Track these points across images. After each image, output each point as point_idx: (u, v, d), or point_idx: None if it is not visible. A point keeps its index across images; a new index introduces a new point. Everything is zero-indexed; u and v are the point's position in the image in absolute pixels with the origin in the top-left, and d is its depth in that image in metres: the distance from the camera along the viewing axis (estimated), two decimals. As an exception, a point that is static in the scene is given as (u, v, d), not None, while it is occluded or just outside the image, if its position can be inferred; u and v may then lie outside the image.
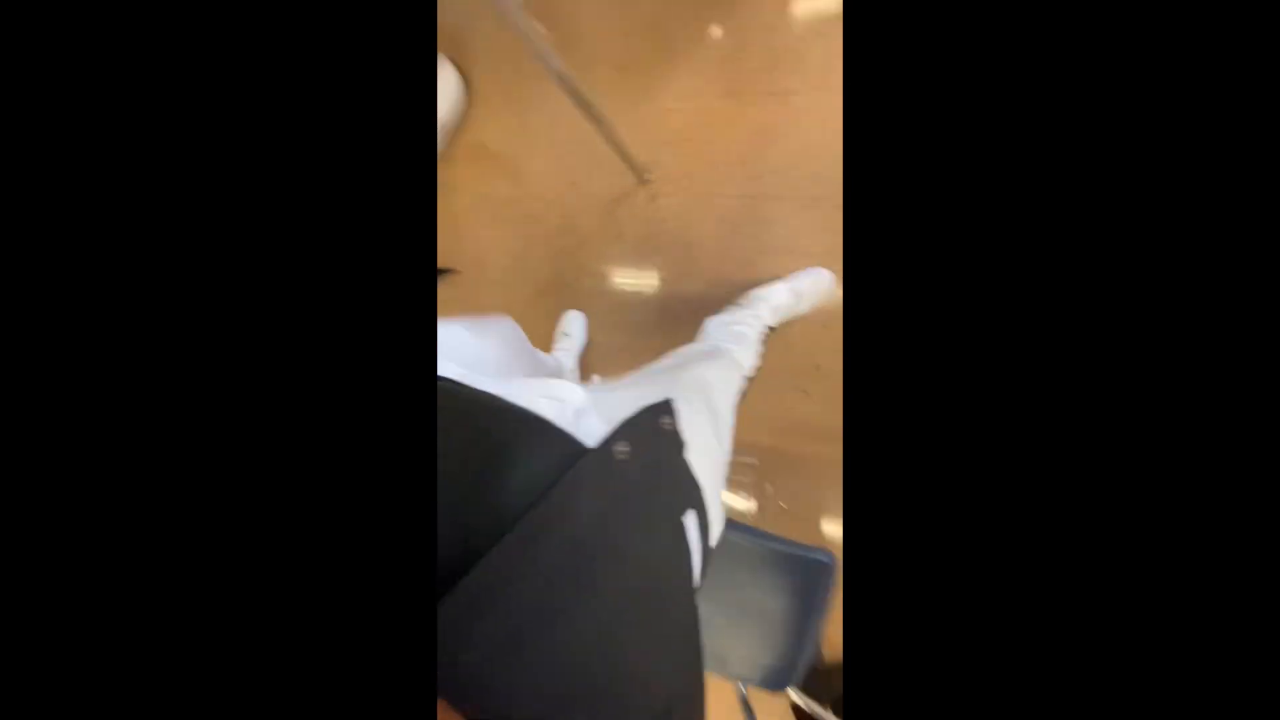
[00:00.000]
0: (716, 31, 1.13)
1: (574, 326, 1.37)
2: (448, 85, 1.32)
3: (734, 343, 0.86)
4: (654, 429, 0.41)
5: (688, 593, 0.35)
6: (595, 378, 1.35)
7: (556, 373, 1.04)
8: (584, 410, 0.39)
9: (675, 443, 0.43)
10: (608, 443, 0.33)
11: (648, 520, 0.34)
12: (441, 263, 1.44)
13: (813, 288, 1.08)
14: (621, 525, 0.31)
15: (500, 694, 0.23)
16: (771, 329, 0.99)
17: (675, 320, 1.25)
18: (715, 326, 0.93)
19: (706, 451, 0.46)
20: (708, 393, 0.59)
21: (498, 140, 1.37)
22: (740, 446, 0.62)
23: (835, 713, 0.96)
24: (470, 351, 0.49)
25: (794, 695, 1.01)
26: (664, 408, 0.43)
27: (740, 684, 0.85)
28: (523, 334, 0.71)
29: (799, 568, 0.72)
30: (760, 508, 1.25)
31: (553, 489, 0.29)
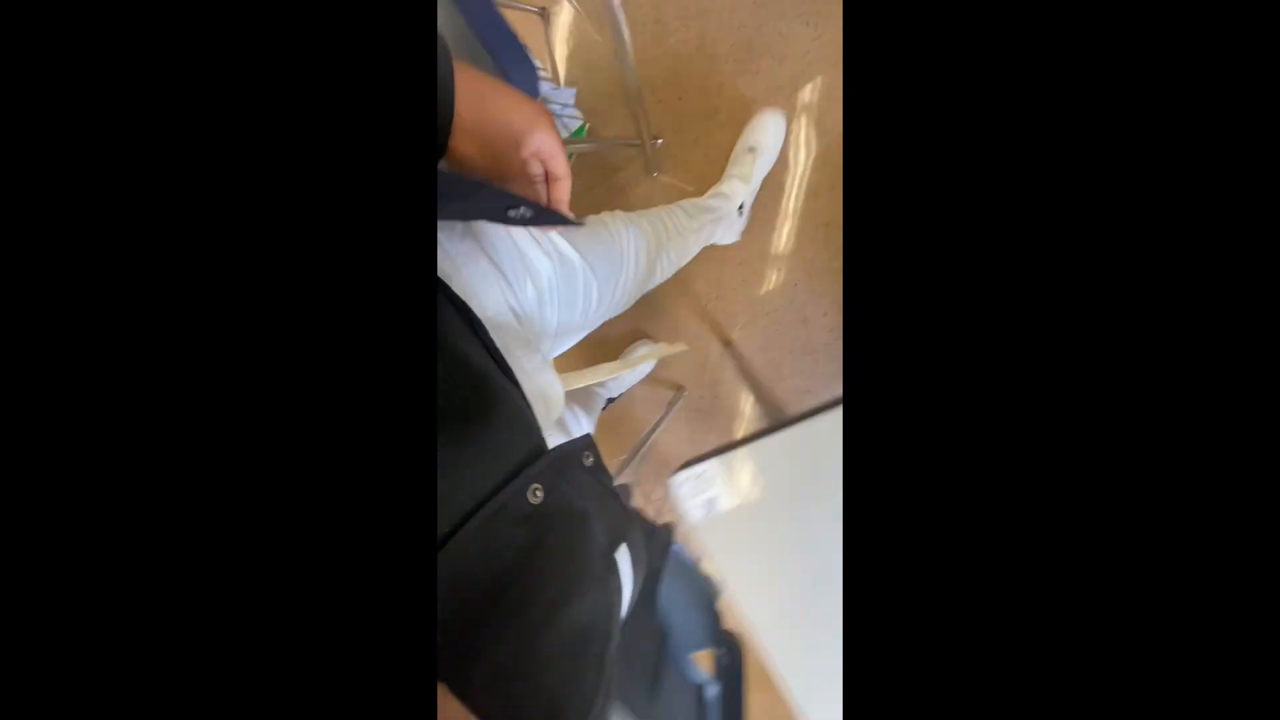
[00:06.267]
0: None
1: (767, 135, 1.02)
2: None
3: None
4: (576, 466, 0.39)
5: (605, 634, 0.34)
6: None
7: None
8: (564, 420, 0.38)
9: (601, 476, 0.41)
10: (524, 482, 0.32)
11: (571, 565, 0.33)
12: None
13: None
14: (544, 569, 0.31)
15: None
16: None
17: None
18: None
19: None
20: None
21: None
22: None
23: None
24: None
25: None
26: (585, 443, 0.41)
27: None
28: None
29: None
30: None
31: (474, 517, 0.28)
